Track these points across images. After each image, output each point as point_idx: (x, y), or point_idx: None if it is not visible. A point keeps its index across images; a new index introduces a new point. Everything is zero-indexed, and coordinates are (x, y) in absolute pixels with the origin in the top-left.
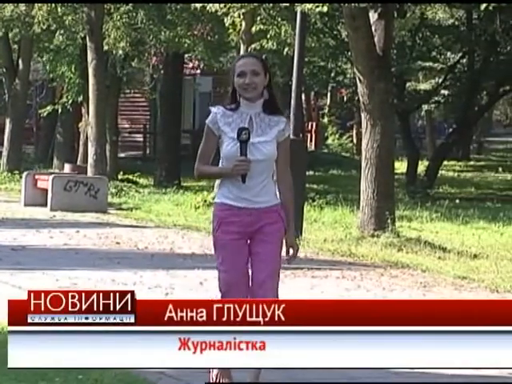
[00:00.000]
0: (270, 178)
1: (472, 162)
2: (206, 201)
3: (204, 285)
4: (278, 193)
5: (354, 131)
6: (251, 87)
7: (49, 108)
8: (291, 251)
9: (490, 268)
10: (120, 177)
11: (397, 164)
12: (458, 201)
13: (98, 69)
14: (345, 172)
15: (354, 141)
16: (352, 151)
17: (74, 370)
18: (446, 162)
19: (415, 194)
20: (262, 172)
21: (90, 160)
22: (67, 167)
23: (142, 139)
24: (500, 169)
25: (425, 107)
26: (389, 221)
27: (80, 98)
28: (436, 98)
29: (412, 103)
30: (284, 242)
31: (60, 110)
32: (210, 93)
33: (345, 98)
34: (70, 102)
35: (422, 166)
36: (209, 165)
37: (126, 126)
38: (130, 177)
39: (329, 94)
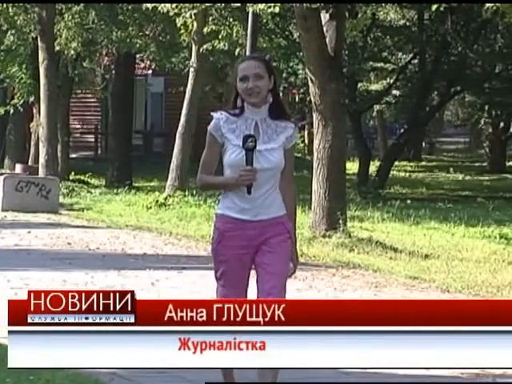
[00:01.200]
0: (275, 188)
1: (423, 163)
2: (157, 201)
3: (155, 285)
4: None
5: (306, 131)
6: (255, 92)
7: (1, 110)
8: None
9: (441, 268)
10: (71, 177)
11: (348, 164)
12: (409, 201)
13: (49, 69)
14: (296, 172)
15: (306, 141)
16: (303, 151)
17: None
18: (397, 163)
19: (367, 195)
20: (267, 181)
21: (42, 160)
22: (18, 167)
23: (93, 139)
24: (451, 169)
25: (376, 107)
26: (340, 221)
27: (31, 99)
28: (387, 99)
29: (363, 104)
30: None
31: (12, 111)
32: (162, 93)
33: (296, 99)
34: (21, 102)
35: (374, 167)
36: (212, 174)
37: (78, 126)
38: (82, 177)
39: (280, 95)
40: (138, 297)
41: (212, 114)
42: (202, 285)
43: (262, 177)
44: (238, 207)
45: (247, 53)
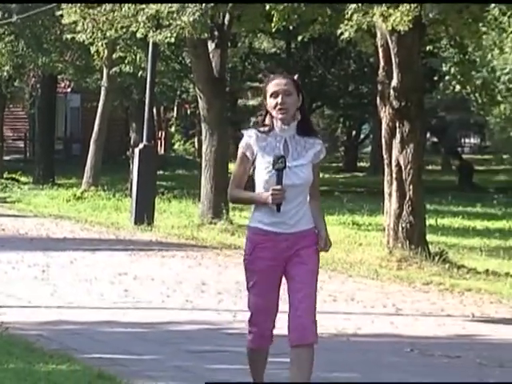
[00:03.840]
0: (305, 202)
1: None
2: (75, 195)
3: (74, 263)
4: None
5: (196, 138)
6: (284, 108)
7: None
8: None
9: None
10: (5, 176)
11: (230, 165)
12: None
13: None
14: (188, 171)
15: (196, 146)
16: (194, 154)
17: None
18: None
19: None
20: (297, 196)
21: None
22: None
23: (23, 145)
24: None
25: (253, 119)
26: (224, 211)
27: None
28: (262, 112)
29: (243, 116)
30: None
31: None
32: (79, 107)
33: (188, 112)
34: None
35: None
36: (242, 188)
37: (10, 134)
38: (14, 175)
39: (175, 109)
40: (60, 272)
41: (242, 131)
42: (111, 263)
43: (292, 192)
44: (270, 220)
45: (148, 75)
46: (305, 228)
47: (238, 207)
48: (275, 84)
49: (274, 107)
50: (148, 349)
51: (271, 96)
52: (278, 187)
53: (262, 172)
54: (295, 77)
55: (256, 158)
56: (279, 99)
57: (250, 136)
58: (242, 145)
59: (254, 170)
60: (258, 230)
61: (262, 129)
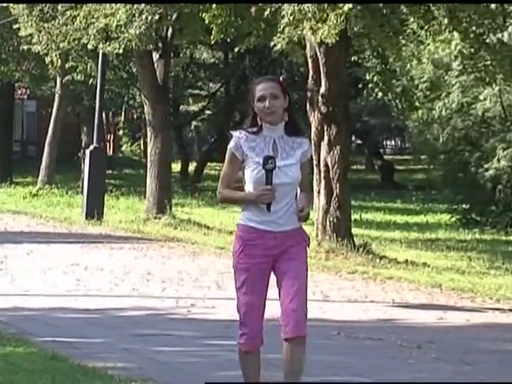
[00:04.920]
0: (293, 201)
1: None
2: (31, 192)
3: (30, 255)
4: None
5: (142, 140)
6: (271, 111)
7: None
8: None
9: None
10: None
11: (173, 165)
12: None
13: None
14: (135, 171)
15: (142, 148)
16: (140, 155)
17: None
18: (209, 164)
19: (186, 187)
20: (287, 195)
21: None
22: None
23: None
24: None
25: (194, 123)
26: (167, 207)
27: None
28: (202, 116)
29: (184, 120)
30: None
31: None
32: (35, 112)
33: (135, 116)
34: None
35: (192, 166)
36: (231, 188)
37: None
38: None
39: (123, 114)
40: (17, 263)
41: (232, 132)
42: (64, 254)
43: (282, 191)
44: (260, 219)
45: (98, 83)
46: (293, 227)
47: (180, 203)
48: (261, 88)
49: (262, 111)
50: (98, 333)
51: (258, 100)
52: (268, 187)
53: (252, 172)
54: (280, 78)
55: (245, 159)
56: (266, 103)
57: (239, 137)
58: (231, 145)
59: (243, 171)
60: (248, 228)
61: (250, 130)
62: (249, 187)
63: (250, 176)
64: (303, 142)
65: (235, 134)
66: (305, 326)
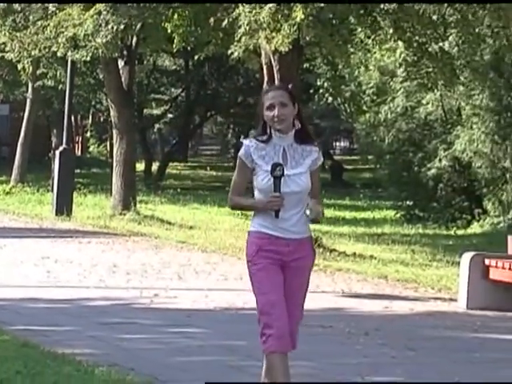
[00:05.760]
0: (303, 209)
1: (189, 163)
2: (4, 190)
3: (3, 249)
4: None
5: (108, 142)
6: (280, 119)
7: None
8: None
9: (201, 235)
10: None
11: (137, 165)
12: (179, 190)
13: None
14: (102, 170)
15: (108, 148)
16: (106, 156)
17: None
18: (171, 163)
19: (150, 185)
20: (297, 203)
21: None
22: None
23: None
24: (208, 168)
25: (157, 126)
26: (132, 204)
27: None
28: (164, 119)
29: (148, 123)
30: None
31: None
32: (8, 115)
33: (101, 119)
34: None
35: (155, 166)
36: (242, 196)
37: None
38: None
39: (90, 117)
40: None
41: (242, 140)
42: (35, 248)
43: (291, 199)
44: (272, 225)
45: (67, 88)
46: (303, 236)
47: (144, 200)
48: (270, 97)
49: (271, 119)
50: (67, 321)
51: (268, 109)
52: (277, 194)
53: (262, 181)
54: (289, 86)
55: (255, 167)
56: (276, 111)
57: (249, 145)
58: (241, 154)
59: (252, 179)
60: (261, 234)
61: (260, 138)
62: (258, 195)
63: (260, 184)
64: (313, 150)
65: (245, 142)
66: (295, 341)
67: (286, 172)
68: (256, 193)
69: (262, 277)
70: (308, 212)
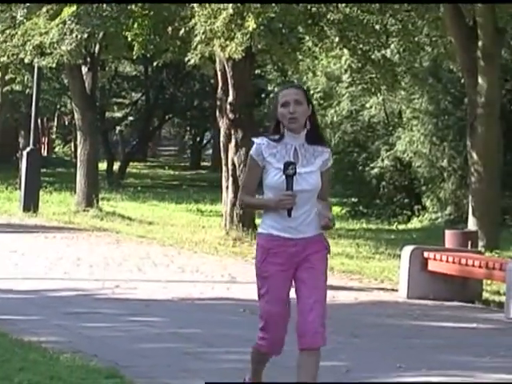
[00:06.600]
0: (313, 208)
1: (149, 163)
2: None
3: None
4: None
5: (72, 143)
6: (294, 116)
7: None
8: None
9: (160, 230)
10: None
11: (100, 164)
12: (139, 188)
13: None
14: (66, 169)
15: (73, 149)
16: (71, 156)
17: None
18: (131, 163)
19: (112, 184)
20: (307, 202)
21: None
22: None
23: None
24: (166, 167)
25: (118, 128)
26: (95, 201)
27: None
28: (125, 122)
29: (110, 125)
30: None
31: None
32: None
33: (66, 122)
34: None
35: (116, 165)
36: (253, 195)
37: None
38: None
39: (56, 119)
40: None
41: (253, 139)
42: (4, 243)
43: (302, 197)
44: (281, 226)
45: (34, 93)
46: (314, 234)
47: (106, 197)
48: (286, 94)
49: (285, 116)
50: (34, 311)
51: (282, 106)
52: (289, 192)
53: (273, 178)
54: (304, 87)
55: (266, 165)
56: (290, 108)
57: (260, 143)
58: (252, 152)
59: (263, 178)
60: (270, 236)
61: (272, 137)
62: (269, 193)
63: (271, 182)
64: (324, 150)
65: (257, 140)
66: (322, 337)
67: (297, 170)
68: (266, 191)
69: (267, 286)
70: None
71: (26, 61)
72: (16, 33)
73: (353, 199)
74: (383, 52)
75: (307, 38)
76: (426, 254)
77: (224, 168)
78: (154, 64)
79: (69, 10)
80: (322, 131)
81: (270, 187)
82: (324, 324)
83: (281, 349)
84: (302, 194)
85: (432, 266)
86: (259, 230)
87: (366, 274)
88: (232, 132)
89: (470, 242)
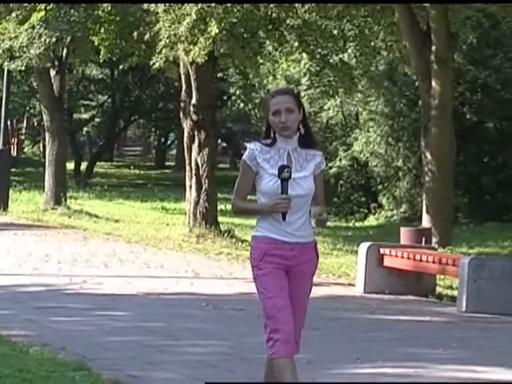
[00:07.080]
0: (308, 213)
1: (115, 163)
2: None
3: None
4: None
5: (41, 143)
6: (286, 125)
7: None
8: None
9: (126, 228)
10: None
11: (68, 164)
12: (105, 187)
13: None
14: (35, 169)
15: (41, 149)
16: (40, 156)
17: None
18: (98, 163)
19: (79, 183)
20: (302, 207)
21: None
22: None
23: None
24: (132, 167)
25: (85, 129)
26: (63, 199)
27: None
28: (92, 123)
29: (77, 126)
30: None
31: None
32: None
33: (35, 123)
34: None
35: (84, 165)
36: (246, 200)
37: None
38: None
39: (25, 120)
40: None
41: (246, 144)
42: None
43: (297, 203)
44: (277, 230)
45: (4, 95)
46: (309, 240)
47: (73, 196)
48: (276, 102)
49: (277, 125)
50: (3, 305)
51: (273, 114)
52: (284, 196)
53: (267, 184)
54: (295, 91)
55: (260, 171)
56: (282, 118)
57: (253, 149)
58: (245, 157)
59: (256, 183)
60: (266, 239)
61: (264, 141)
62: (263, 198)
63: (265, 188)
64: (316, 153)
65: (249, 146)
66: (298, 345)
67: (292, 175)
68: (260, 196)
69: (267, 281)
70: (313, 223)
71: None
72: None
73: None
74: (341, 56)
75: (268, 42)
76: (382, 251)
77: (187, 167)
78: (120, 67)
79: (38, 15)
80: (314, 134)
81: (265, 193)
82: (300, 334)
83: (295, 349)
84: (297, 199)
85: (388, 261)
86: (255, 233)
87: (324, 269)
88: (195, 133)
89: (423, 239)
